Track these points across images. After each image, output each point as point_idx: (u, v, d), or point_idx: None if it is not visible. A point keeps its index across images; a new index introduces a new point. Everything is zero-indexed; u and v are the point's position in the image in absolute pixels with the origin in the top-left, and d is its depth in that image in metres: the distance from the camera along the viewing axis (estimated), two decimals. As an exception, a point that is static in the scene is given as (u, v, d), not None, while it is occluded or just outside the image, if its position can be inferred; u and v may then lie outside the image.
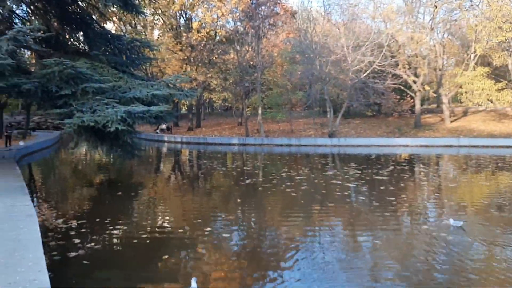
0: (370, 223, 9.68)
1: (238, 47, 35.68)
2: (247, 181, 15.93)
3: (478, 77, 32.25)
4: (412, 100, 34.84)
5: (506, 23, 30.10)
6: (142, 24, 41.40)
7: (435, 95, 39.63)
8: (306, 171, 18.53)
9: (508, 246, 7.91)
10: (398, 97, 34.76)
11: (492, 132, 30.41)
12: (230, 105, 57.41)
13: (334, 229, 9.31)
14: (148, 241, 8.53)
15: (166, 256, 7.50)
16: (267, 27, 34.39)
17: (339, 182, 15.00)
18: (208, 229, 9.26)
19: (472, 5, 34.59)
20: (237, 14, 35.14)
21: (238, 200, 12.61)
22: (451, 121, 33.87)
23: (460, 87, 33.15)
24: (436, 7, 33.50)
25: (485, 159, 21.77)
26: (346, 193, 13.15)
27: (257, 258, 7.60)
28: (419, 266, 7.02)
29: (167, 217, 10.59)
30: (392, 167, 19.38)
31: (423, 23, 35.67)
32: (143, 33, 41.49)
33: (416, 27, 34.74)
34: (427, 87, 37.36)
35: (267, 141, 32.57)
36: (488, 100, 32.47)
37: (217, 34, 39.06)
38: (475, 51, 33.40)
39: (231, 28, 36.46)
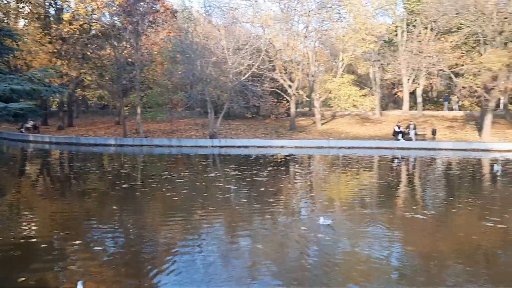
0: (249, 225, 9.89)
1: (115, 43, 33.92)
2: (124, 185, 15.18)
3: (345, 84, 35.24)
4: (288, 104, 36.68)
5: (369, 35, 33.38)
6: (4, 11, 37.00)
7: (308, 99, 42.34)
8: (187, 173, 18.32)
9: (371, 240, 8.69)
10: (275, 100, 36.31)
11: (357, 134, 33.44)
12: (106, 103, 54.36)
13: (215, 232, 9.30)
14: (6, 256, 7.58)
15: (23, 279, 6.72)
16: (147, 24, 33.22)
17: (221, 184, 15.10)
18: (79, 239, 8.56)
19: (340, 17, 37.65)
20: (114, 8, 33.37)
21: (114, 207, 11.89)
22: (322, 124, 36.42)
23: (330, 92, 35.82)
24: (309, 17, 35.75)
25: (351, 159, 23.82)
26: (227, 195, 13.27)
27: (135, 265, 7.27)
28: (294, 263, 7.36)
29: (34, 227, 9.54)
30: (271, 167, 20.14)
31: (298, 31, 37.81)
32: (5, 21, 37.12)
33: (292, 34, 36.66)
34: (301, 92, 39.71)
35: (146, 141, 31.52)
36: (353, 105, 35.66)
37: (92, 27, 36.66)
38: (342, 60, 36.44)
39: (108, 23, 34.49)
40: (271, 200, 12.44)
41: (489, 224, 9.59)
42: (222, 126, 35.32)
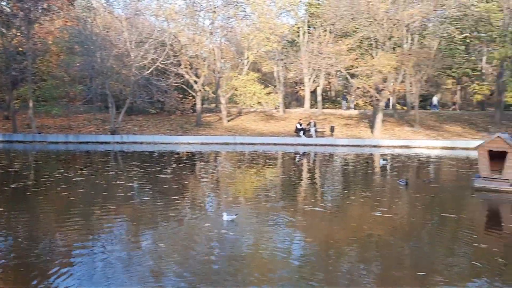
0: (153, 223, 9.66)
1: (3, 30, 30.85)
2: (13, 185, 13.94)
3: (250, 81, 35.86)
4: (193, 100, 36.36)
5: (273, 35, 34.34)
6: None
7: (214, 95, 42.37)
8: (85, 171, 17.34)
9: (274, 233, 8.97)
10: (181, 95, 35.78)
11: (262, 131, 34.26)
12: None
13: (115, 232, 8.92)
14: None
15: None
16: (40, 11, 30.70)
17: (122, 182, 14.52)
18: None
19: (245, 15, 38.20)
20: (2, -8, 30.36)
21: (1, 209, 10.83)
22: (228, 121, 36.72)
23: (236, 89, 36.23)
24: (215, 13, 35.75)
25: (256, 155, 24.37)
26: (129, 193, 12.80)
27: (27, 270, 6.71)
28: (199, 260, 7.33)
29: None
30: (175, 164, 19.84)
31: (204, 26, 37.61)
32: None
33: (197, 29, 36.37)
34: (207, 88, 39.65)
35: (39, 138, 29.23)
36: (258, 102, 36.45)
37: (-26, 11, 32.95)
38: (247, 58, 37.02)
39: (-6, 7, 31.25)
40: (175, 197, 12.25)
41: (378, 214, 10.42)
42: (125, 121, 33.98)
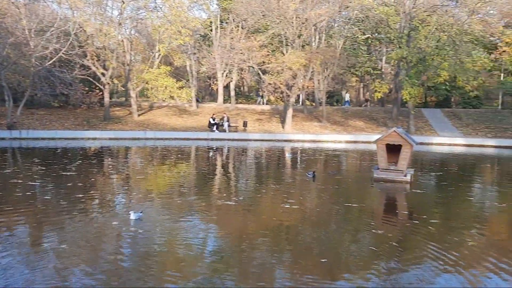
0: (57, 224, 9.10)
1: None
2: None
3: (162, 75, 35.05)
4: (101, 93, 34.69)
5: (184, 28, 33.88)
6: None
7: (123, 89, 40.80)
8: (-23, 170, 15.81)
9: (186, 228, 8.93)
10: (87, 88, 33.94)
11: (174, 125, 33.73)
12: None
13: (14, 234, 8.26)
14: None
15: None
16: None
17: (21, 181, 13.48)
18: None
19: (156, 7, 37.23)
20: None
21: None
22: (139, 115, 35.62)
23: (147, 83, 35.23)
24: (124, 3, 34.35)
25: (168, 151, 23.96)
26: (28, 193, 11.92)
27: None
28: (108, 258, 7.09)
29: None
30: (81, 161, 18.85)
31: (112, 17, 36.00)
32: None
33: (105, 19, 34.72)
34: (116, 81, 38.04)
35: None
36: (170, 96, 35.81)
37: None
38: (159, 51, 36.13)
39: None
40: (81, 196, 11.64)
41: (287, 206, 10.83)
42: (24, 115, 31.45)
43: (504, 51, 39.77)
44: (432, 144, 29.40)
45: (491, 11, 38.86)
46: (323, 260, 7.24)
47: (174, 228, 8.95)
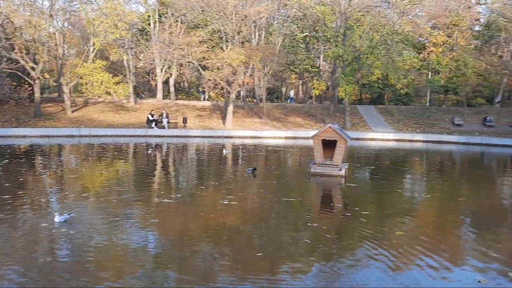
0: (-21, 228, 8.54)
1: None
2: None
3: (97, 69, 33.79)
4: (30, 88, 32.82)
5: (121, 22, 32.84)
6: None
7: (56, 84, 38.85)
8: None
9: (123, 228, 8.70)
10: (15, 83, 31.96)
11: (111, 122, 32.64)
12: None
13: None
14: None
15: None
16: None
17: None
18: None
19: (90, -1, 35.80)
20: None
21: None
22: (73, 111, 34.11)
23: (81, 78, 33.81)
24: (55, -6, 32.75)
25: (104, 148, 23.15)
26: None
27: None
28: (41, 260, 6.80)
29: None
30: (8, 160, 17.76)
31: (42, 8, 34.14)
32: None
33: (35, 11, 32.87)
34: (47, 75, 36.15)
35: None
36: (106, 92, 34.60)
37: None
38: (94, 44, 34.77)
39: None
40: (7, 197, 11.00)
41: (226, 202, 10.88)
42: None
43: (431, 51, 42.23)
44: (366, 139, 30.67)
45: (420, 13, 41.17)
46: (259, 254, 7.37)
47: (107, 228, 8.70)
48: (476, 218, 10.51)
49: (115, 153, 21.85)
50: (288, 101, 45.94)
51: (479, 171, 20.42)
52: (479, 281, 6.30)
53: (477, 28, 48.48)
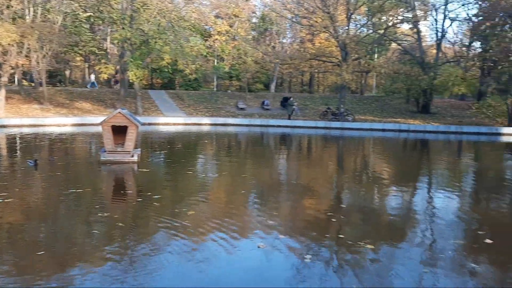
0: None
1: None
2: None
3: None
4: None
5: None
6: None
7: None
8: None
9: None
10: None
11: None
12: None
13: None
14: None
15: None
16: None
17: None
18: None
19: None
20: None
21: None
22: None
23: None
24: None
25: None
26: None
27: None
28: None
29: None
30: None
31: None
32: None
33: None
34: None
35: None
36: None
37: None
38: None
39: None
40: None
41: (0, 201, 9.54)
42: None
43: (216, 39, 44.90)
44: (158, 124, 30.90)
45: (205, 2, 43.19)
46: (42, 253, 6.74)
47: None
48: (257, 192, 11.78)
49: None
50: (89, 86, 42.56)
51: (260, 149, 22.90)
52: (259, 246, 7.12)
53: (254, 20, 53.68)
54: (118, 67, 39.01)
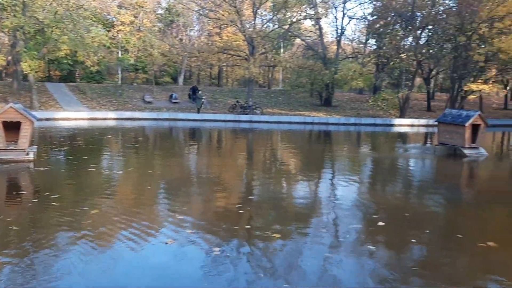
0: None
1: None
2: None
3: None
4: None
5: None
6: None
7: None
8: None
9: None
10: None
11: None
12: None
13: None
14: None
15: None
16: None
17: None
18: None
19: None
20: None
21: None
22: None
23: None
24: None
25: None
26: None
27: None
28: None
29: None
30: None
31: None
32: None
33: None
34: None
35: None
36: None
37: None
38: None
39: None
40: None
41: None
42: None
43: (120, 30, 43.02)
44: (57, 119, 28.87)
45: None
46: None
47: None
48: (165, 187, 11.56)
49: None
50: None
51: (168, 143, 22.47)
52: (167, 243, 7.00)
53: (160, 12, 52.34)
54: (9, 57, 35.68)
